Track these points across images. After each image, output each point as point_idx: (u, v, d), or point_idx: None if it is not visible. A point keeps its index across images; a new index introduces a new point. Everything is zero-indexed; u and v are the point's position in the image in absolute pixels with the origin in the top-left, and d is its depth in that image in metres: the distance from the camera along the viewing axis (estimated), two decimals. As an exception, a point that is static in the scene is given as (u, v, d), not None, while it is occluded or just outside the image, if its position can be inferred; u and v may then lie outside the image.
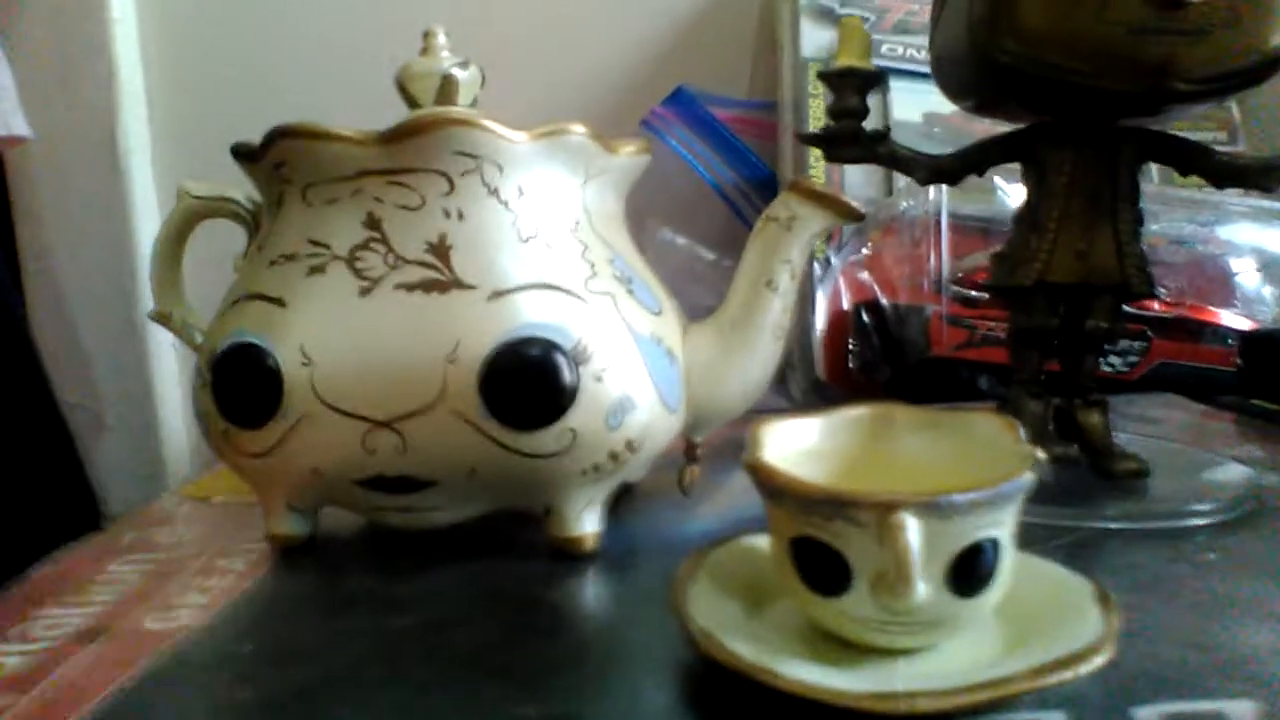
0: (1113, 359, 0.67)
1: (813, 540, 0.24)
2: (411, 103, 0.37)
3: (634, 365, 0.32)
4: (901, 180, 0.83)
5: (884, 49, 0.85)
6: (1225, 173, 0.42)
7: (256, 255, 0.35)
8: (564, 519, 0.34)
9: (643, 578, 0.33)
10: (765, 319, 0.36)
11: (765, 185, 0.83)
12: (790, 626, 0.26)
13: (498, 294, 0.31)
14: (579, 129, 0.34)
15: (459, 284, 0.31)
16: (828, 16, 0.88)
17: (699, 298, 0.50)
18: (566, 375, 0.31)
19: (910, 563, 0.21)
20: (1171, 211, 0.76)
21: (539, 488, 0.33)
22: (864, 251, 0.76)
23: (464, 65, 0.38)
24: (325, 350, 0.31)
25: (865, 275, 0.74)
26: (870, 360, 0.71)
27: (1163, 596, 0.29)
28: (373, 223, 0.32)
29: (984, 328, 0.67)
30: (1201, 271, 0.74)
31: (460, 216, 0.32)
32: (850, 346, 0.72)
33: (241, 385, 0.33)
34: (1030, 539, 0.34)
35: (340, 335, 0.31)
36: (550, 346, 0.30)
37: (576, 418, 0.31)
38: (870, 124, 0.86)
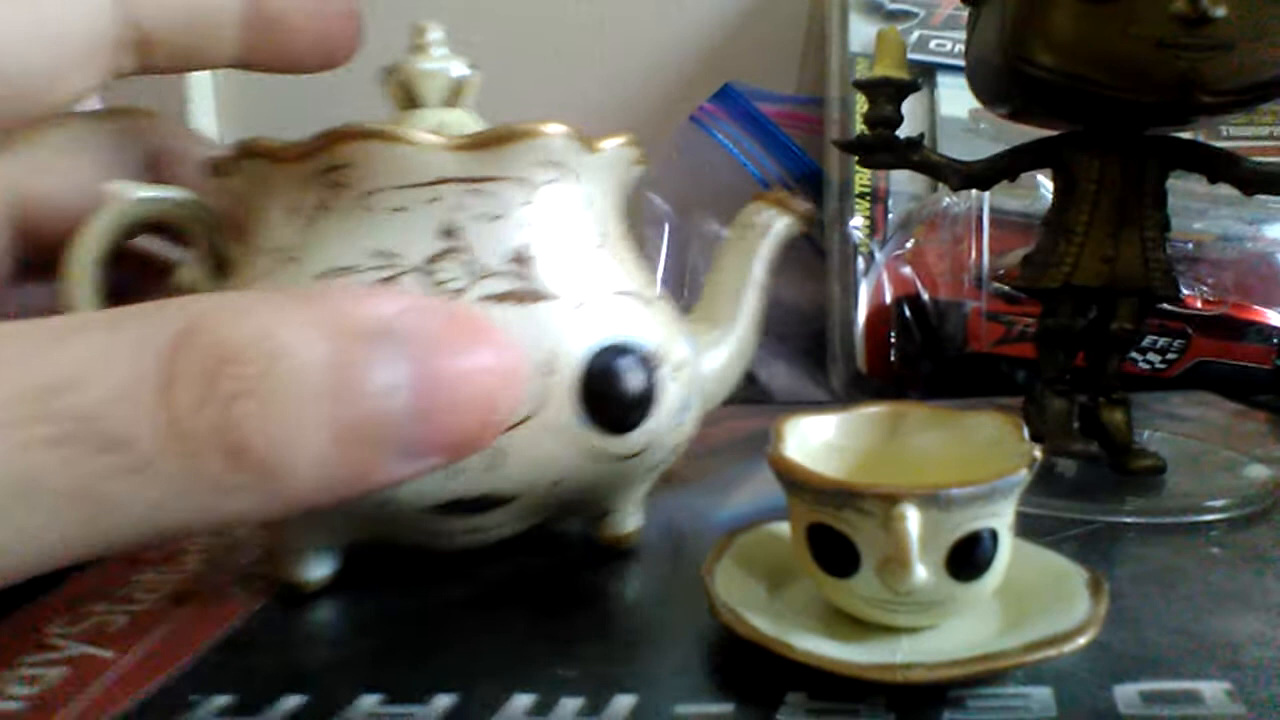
0: (1150, 356, 0.68)
1: (825, 527, 0.26)
2: (408, 102, 0.36)
3: (690, 362, 0.34)
4: (946, 176, 0.84)
5: (933, 44, 0.86)
6: (1254, 180, 0.43)
7: (279, 270, 0.31)
8: (618, 518, 0.36)
9: (676, 560, 0.36)
10: (745, 313, 0.40)
11: (811, 179, 0.85)
12: (807, 605, 0.29)
13: (582, 303, 0.31)
14: (625, 139, 0.34)
15: (545, 294, 0.31)
16: (877, 12, 0.89)
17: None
18: (651, 378, 0.32)
19: (909, 548, 0.24)
20: (1218, 209, 0.76)
21: (612, 491, 0.34)
22: (907, 246, 0.77)
23: (470, 65, 0.37)
24: None
25: (908, 270, 0.76)
26: (910, 354, 0.73)
27: (1161, 587, 0.31)
28: (451, 232, 0.31)
29: (1022, 323, 0.68)
30: (1249, 269, 0.74)
31: (540, 226, 0.32)
32: (891, 340, 0.74)
33: None
34: (1047, 529, 0.37)
35: None
36: (638, 351, 0.32)
37: (657, 418, 0.32)
38: (918, 119, 0.88)
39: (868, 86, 0.45)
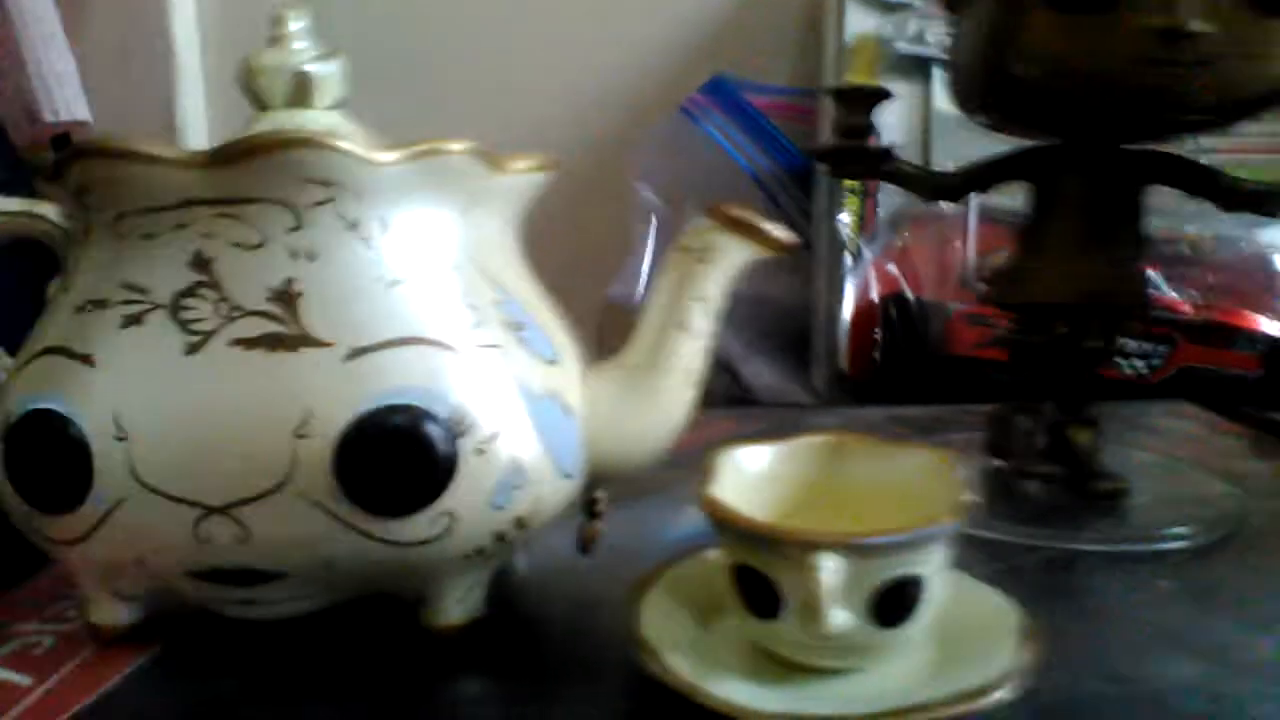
0: (1135, 362, 0.67)
1: (750, 568, 0.26)
2: (259, 105, 0.32)
3: (524, 431, 0.28)
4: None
5: (929, 36, 0.84)
6: (1231, 197, 0.42)
7: (61, 298, 0.29)
8: (439, 608, 0.30)
9: (609, 585, 0.33)
10: (675, 363, 0.31)
11: (800, 172, 0.84)
12: (737, 641, 0.28)
13: (357, 351, 0.26)
14: (457, 146, 0.28)
15: (310, 340, 0.26)
16: (875, 1, 0.87)
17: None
18: (441, 449, 0.26)
19: (822, 598, 0.23)
20: (1214, 210, 0.75)
21: (410, 578, 0.29)
22: (895, 244, 0.76)
23: (325, 58, 0.32)
24: (144, 420, 0.26)
25: (894, 268, 0.75)
26: (894, 355, 0.72)
27: (1103, 625, 0.31)
28: (201, 263, 0.27)
29: (1004, 327, 0.67)
30: (1243, 272, 0.73)
31: (310, 257, 0.27)
32: (876, 339, 0.73)
33: (42, 462, 0.27)
34: (1005, 554, 0.36)
35: (162, 402, 0.26)
36: (421, 415, 0.26)
37: (455, 498, 0.26)
38: (913, 112, 0.86)
39: (841, 95, 0.44)
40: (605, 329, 0.60)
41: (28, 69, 0.74)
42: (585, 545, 0.34)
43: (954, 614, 0.27)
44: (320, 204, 0.27)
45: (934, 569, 0.26)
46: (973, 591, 0.29)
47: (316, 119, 0.32)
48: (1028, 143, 0.44)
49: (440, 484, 0.26)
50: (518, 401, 0.28)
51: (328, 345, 0.26)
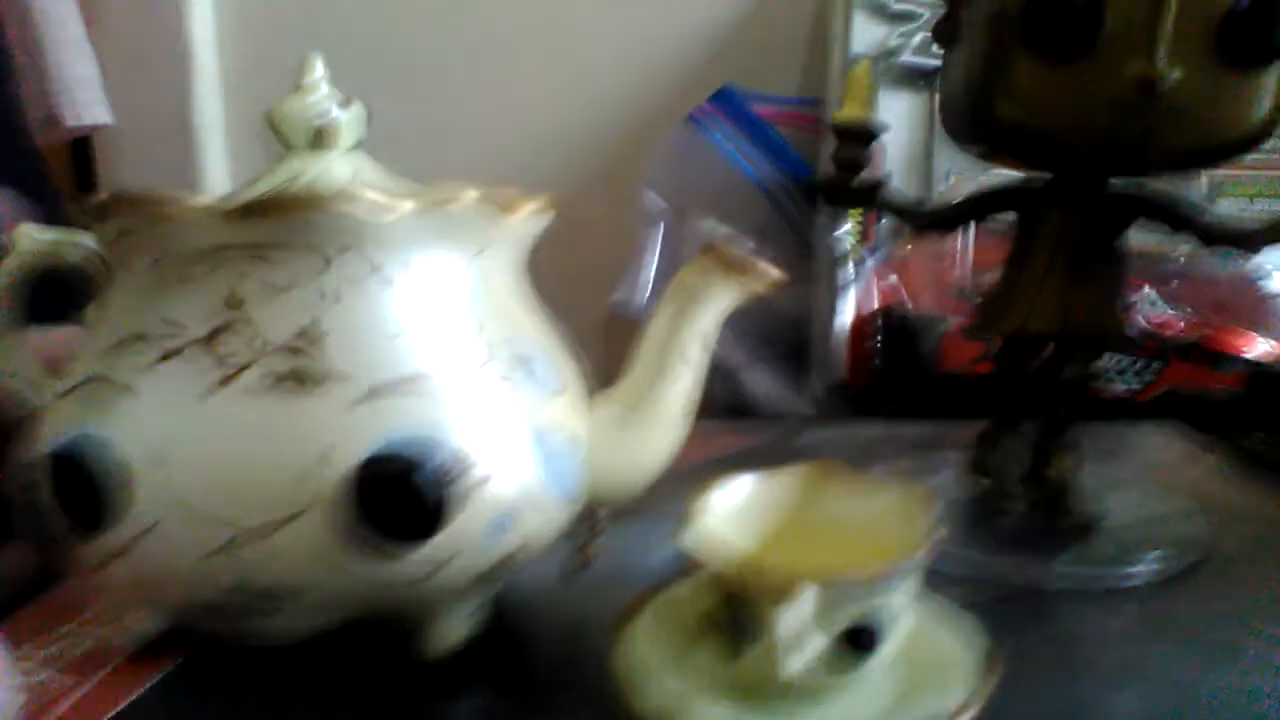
0: (1126, 379, 0.68)
1: (728, 601, 0.28)
2: (285, 146, 0.34)
3: (525, 465, 0.30)
4: (942, 183, 0.84)
5: (934, 47, 0.85)
6: (1211, 234, 0.44)
7: (101, 329, 0.31)
8: (437, 632, 0.32)
9: (593, 613, 0.34)
10: (674, 394, 0.34)
11: (805, 182, 0.85)
12: (719, 666, 0.30)
13: (375, 388, 0.28)
14: (469, 196, 0.31)
15: (332, 376, 0.28)
16: (882, 12, 0.88)
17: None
18: (445, 485, 0.28)
19: (780, 648, 0.25)
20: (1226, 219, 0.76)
21: (412, 605, 0.31)
22: (896, 256, 0.78)
23: (345, 104, 0.35)
24: (179, 448, 0.28)
25: (893, 279, 0.76)
26: (891, 367, 0.73)
27: (1066, 657, 0.33)
28: (235, 302, 0.29)
29: (998, 344, 0.68)
30: (1236, 289, 0.74)
31: (336, 298, 0.29)
32: (874, 350, 0.75)
33: (88, 483, 0.29)
34: (980, 580, 0.38)
35: (196, 431, 0.28)
36: (428, 453, 0.28)
37: (455, 532, 0.29)
38: (918, 123, 0.87)
39: (837, 129, 0.46)
40: (611, 335, 0.62)
41: (49, 72, 0.75)
42: (581, 565, 0.36)
43: (921, 642, 0.29)
44: (346, 250, 0.29)
45: (899, 605, 0.28)
46: (941, 620, 0.31)
47: (339, 161, 0.34)
48: (1018, 171, 0.46)
49: (446, 517, 0.28)
50: (524, 435, 0.30)
51: (347, 381, 0.28)
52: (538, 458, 0.31)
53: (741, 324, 0.87)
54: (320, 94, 0.34)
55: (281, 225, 0.29)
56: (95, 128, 0.75)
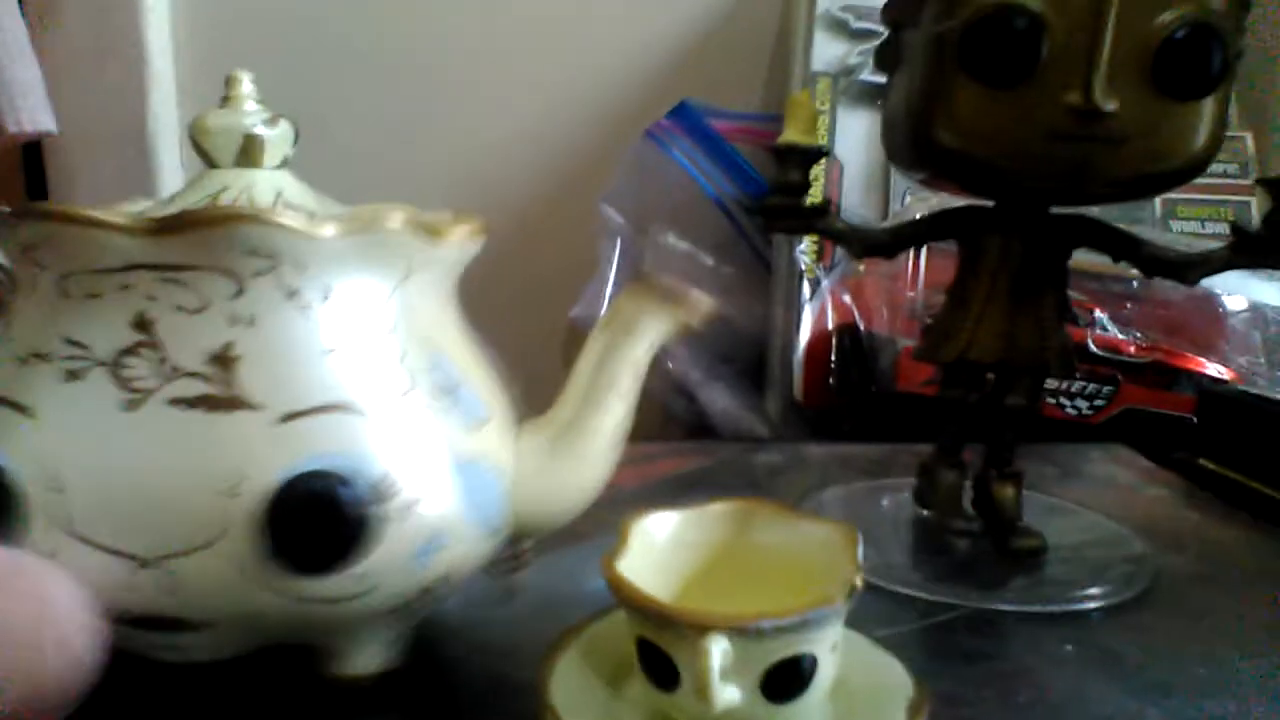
0: (1079, 402, 0.68)
1: (650, 642, 0.27)
2: (208, 162, 0.33)
3: (449, 493, 0.30)
4: (898, 202, 0.84)
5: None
6: (1151, 264, 0.44)
7: (3, 348, 0.30)
8: (356, 659, 0.32)
9: (531, 634, 0.33)
10: (604, 424, 0.33)
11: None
12: (645, 706, 0.30)
13: (290, 416, 0.27)
14: (396, 219, 0.30)
15: (244, 403, 0.27)
16: (843, 29, 0.88)
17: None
18: (365, 512, 0.28)
19: (709, 682, 0.25)
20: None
21: (331, 631, 0.31)
22: (851, 275, 0.78)
23: (272, 121, 0.34)
24: (80, 474, 0.27)
25: (848, 299, 0.76)
26: (847, 387, 0.73)
27: (1003, 691, 0.32)
28: (143, 324, 0.28)
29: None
30: (1191, 310, 0.74)
31: (250, 323, 0.28)
32: (830, 369, 0.75)
33: None
34: (922, 611, 0.37)
35: (99, 457, 0.27)
36: (345, 480, 0.27)
37: (377, 558, 0.28)
38: (874, 143, 0.87)
39: (778, 152, 0.46)
40: (570, 349, 0.61)
41: (-11, 77, 0.74)
42: (505, 595, 0.36)
43: (850, 681, 0.29)
44: (261, 274, 0.28)
45: (824, 647, 0.27)
46: (870, 658, 0.31)
47: (263, 179, 0.33)
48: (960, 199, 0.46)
49: (362, 546, 0.28)
50: (445, 464, 0.30)
51: (261, 409, 0.28)
52: (459, 487, 0.30)
53: (700, 342, 0.87)
54: (246, 109, 0.34)
55: (195, 246, 0.28)
56: (39, 135, 0.74)
